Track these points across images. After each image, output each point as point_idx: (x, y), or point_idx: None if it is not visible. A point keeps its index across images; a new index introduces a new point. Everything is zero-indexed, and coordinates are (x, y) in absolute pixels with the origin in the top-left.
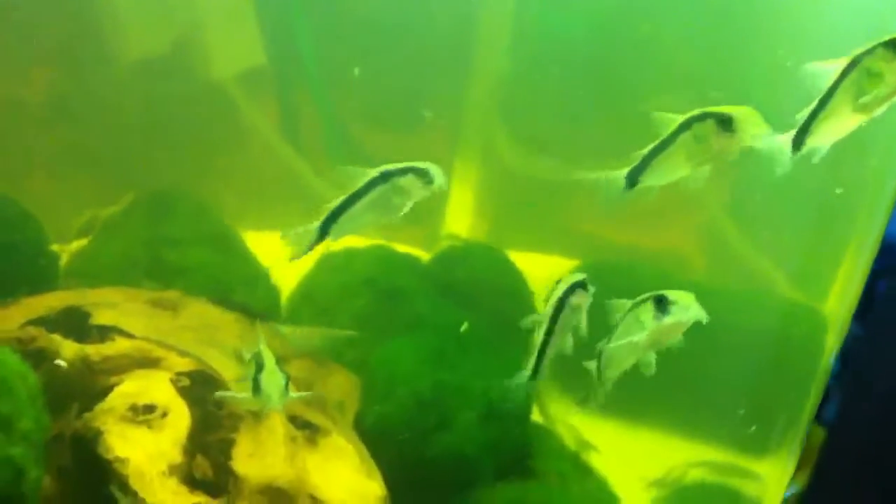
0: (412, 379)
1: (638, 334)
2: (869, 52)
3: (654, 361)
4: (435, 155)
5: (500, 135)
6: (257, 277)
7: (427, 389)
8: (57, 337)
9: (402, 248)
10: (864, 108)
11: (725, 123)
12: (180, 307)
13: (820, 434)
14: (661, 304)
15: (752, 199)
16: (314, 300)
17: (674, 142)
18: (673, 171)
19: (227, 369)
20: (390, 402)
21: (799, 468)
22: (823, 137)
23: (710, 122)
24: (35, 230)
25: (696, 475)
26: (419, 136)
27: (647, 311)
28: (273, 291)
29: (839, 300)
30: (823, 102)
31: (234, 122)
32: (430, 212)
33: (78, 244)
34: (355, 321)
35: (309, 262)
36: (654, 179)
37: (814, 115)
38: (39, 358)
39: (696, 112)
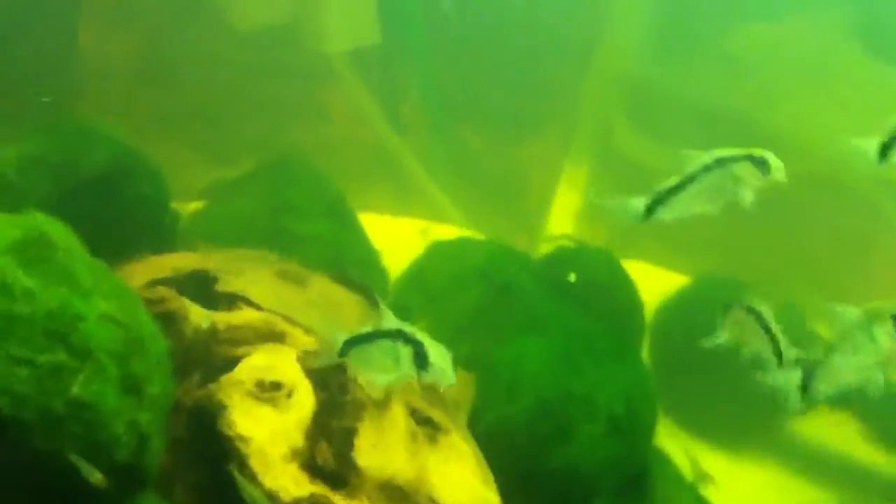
0: (538, 382)
1: (871, 351)
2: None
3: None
4: (546, 155)
5: (621, 138)
6: (370, 257)
7: (553, 396)
8: (186, 300)
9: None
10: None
11: (762, 165)
12: (306, 281)
13: None
14: None
15: None
16: (425, 287)
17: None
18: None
19: None
20: (513, 404)
21: None
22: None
23: (747, 163)
24: (161, 186)
25: None
26: (531, 136)
27: (885, 328)
28: (383, 273)
29: None
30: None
31: (344, 98)
32: (533, 211)
33: (196, 205)
34: (467, 313)
35: (419, 248)
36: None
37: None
38: (168, 320)
39: (726, 152)
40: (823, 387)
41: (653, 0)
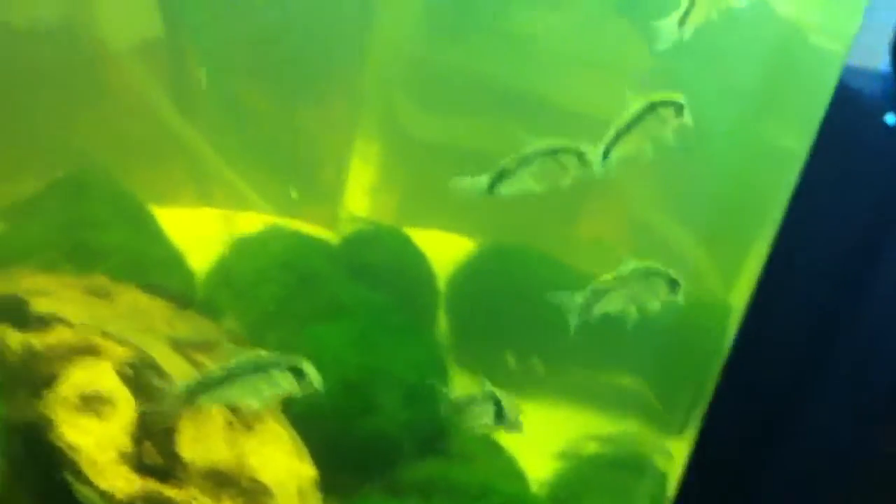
0: (339, 365)
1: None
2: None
3: None
4: (335, 130)
5: (403, 108)
6: (173, 260)
7: (353, 374)
8: (1, 325)
9: (304, 226)
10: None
11: (679, 109)
12: (114, 294)
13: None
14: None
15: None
16: (231, 285)
17: (641, 122)
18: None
19: (162, 357)
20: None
21: None
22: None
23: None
24: None
25: (595, 448)
26: (319, 110)
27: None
28: (189, 275)
29: (740, 292)
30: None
31: (130, 95)
32: (330, 190)
33: None
34: (272, 305)
35: (223, 245)
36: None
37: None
38: None
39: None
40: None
41: None
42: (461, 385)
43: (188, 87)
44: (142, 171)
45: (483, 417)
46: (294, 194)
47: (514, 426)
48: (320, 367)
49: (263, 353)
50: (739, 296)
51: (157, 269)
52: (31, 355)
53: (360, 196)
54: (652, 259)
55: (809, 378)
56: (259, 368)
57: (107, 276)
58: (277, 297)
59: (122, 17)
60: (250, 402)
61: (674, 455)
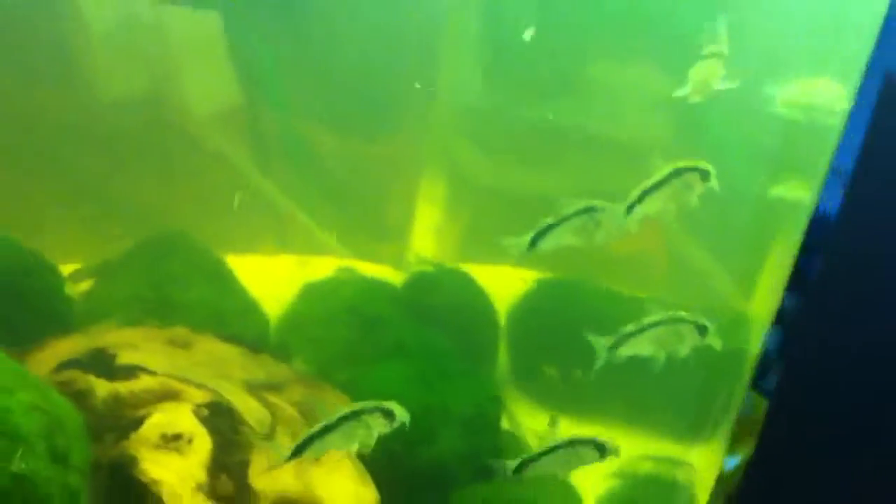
0: (400, 402)
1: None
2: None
3: None
4: (402, 174)
5: (467, 153)
6: (249, 308)
7: (415, 410)
8: (91, 377)
9: (372, 267)
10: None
11: (705, 175)
12: (192, 344)
13: (763, 404)
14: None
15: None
16: (301, 329)
17: (666, 185)
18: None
19: (236, 398)
20: None
21: (744, 438)
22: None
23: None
24: (55, 278)
25: (645, 466)
26: (386, 154)
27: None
28: (264, 321)
29: (761, 302)
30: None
31: (214, 157)
32: (398, 230)
33: (86, 285)
34: (340, 347)
35: (293, 291)
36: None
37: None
38: (78, 397)
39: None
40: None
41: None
42: (522, 413)
43: (264, 142)
44: (222, 226)
45: (587, 458)
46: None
47: (615, 452)
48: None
49: (359, 403)
50: (760, 309)
51: (233, 319)
52: (116, 402)
53: (427, 236)
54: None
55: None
56: (354, 416)
57: (187, 328)
58: (345, 340)
59: (202, 86)
60: (350, 447)
61: (699, 468)
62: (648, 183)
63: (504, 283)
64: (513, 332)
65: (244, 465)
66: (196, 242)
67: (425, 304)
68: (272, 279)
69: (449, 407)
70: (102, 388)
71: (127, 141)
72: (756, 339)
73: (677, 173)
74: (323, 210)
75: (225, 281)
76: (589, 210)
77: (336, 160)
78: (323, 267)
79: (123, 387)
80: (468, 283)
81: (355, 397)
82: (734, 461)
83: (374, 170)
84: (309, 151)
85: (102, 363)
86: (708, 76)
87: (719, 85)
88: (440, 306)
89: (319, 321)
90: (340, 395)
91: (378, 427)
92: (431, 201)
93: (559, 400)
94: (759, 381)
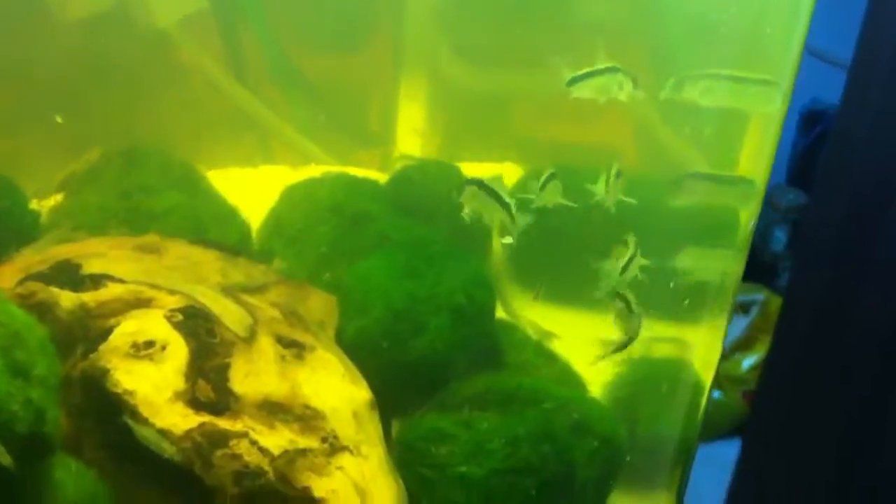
0: (385, 293)
1: None
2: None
3: None
4: (380, 74)
5: (444, 49)
6: (227, 215)
7: (400, 301)
8: (55, 289)
9: (358, 171)
10: None
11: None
12: (163, 250)
13: (777, 302)
14: None
15: None
16: (282, 231)
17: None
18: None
19: (212, 301)
20: (367, 316)
21: (760, 336)
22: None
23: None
24: (17, 195)
25: (645, 349)
26: (362, 56)
27: None
28: (244, 227)
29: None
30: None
31: (183, 67)
32: (381, 133)
33: (54, 200)
34: (323, 247)
35: (274, 195)
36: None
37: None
38: (42, 310)
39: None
40: None
41: None
42: (518, 301)
43: (238, 51)
44: (198, 140)
45: None
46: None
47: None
48: (368, 299)
49: None
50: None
51: (210, 227)
52: (83, 313)
53: (411, 138)
54: None
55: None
56: None
57: (161, 235)
58: (327, 238)
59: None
60: None
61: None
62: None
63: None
64: None
65: (224, 370)
66: (169, 154)
67: (411, 197)
68: (254, 189)
69: (438, 295)
70: (67, 299)
71: (95, 57)
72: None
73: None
74: (305, 121)
75: (201, 189)
76: (614, 70)
77: (315, 71)
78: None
79: (90, 297)
80: (455, 174)
81: (340, 295)
82: (751, 360)
83: (354, 78)
84: (286, 62)
85: (67, 274)
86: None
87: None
88: (427, 199)
89: (300, 222)
90: (325, 294)
91: None
92: (413, 102)
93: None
94: (772, 279)
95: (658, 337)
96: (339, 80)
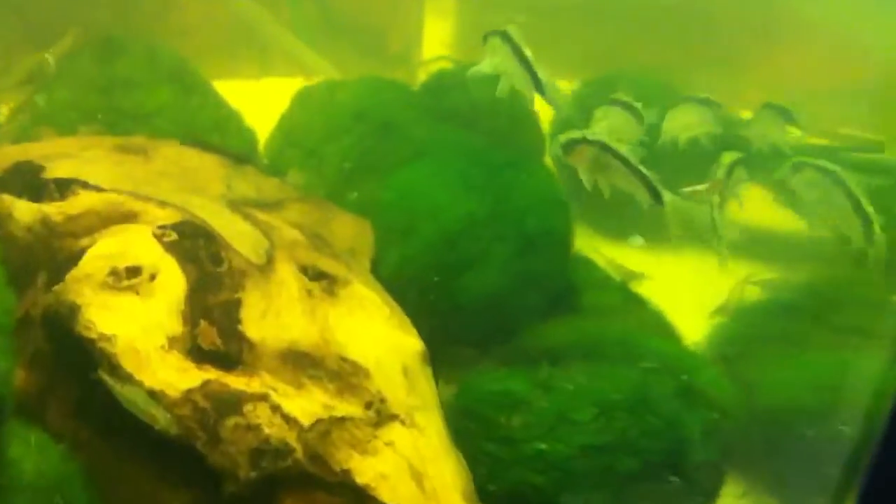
0: (434, 211)
1: None
2: None
3: None
4: None
5: None
6: (228, 119)
7: (454, 222)
8: (7, 197)
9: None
10: None
11: None
12: (150, 150)
13: None
14: None
15: None
16: (298, 141)
17: None
18: None
19: (215, 217)
20: (413, 240)
21: None
22: None
23: None
24: None
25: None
26: None
27: None
28: (248, 134)
29: None
30: None
31: None
32: (406, 44)
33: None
34: (348, 160)
35: (284, 100)
36: None
37: None
38: None
39: None
40: None
41: None
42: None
43: None
44: (204, 49)
45: None
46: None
47: None
48: (413, 219)
49: None
50: None
51: (208, 132)
52: (46, 229)
53: (439, 49)
54: None
55: None
56: None
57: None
58: (351, 149)
59: None
60: None
61: None
62: None
63: None
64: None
65: (233, 307)
66: (156, 45)
67: (450, 104)
68: (260, 102)
69: (503, 216)
70: (25, 210)
71: None
72: None
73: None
74: (322, 40)
75: (195, 88)
76: None
77: None
78: None
79: (55, 208)
80: (495, 80)
81: (375, 214)
82: None
83: None
84: None
85: (24, 178)
86: None
87: None
88: (468, 105)
89: (319, 130)
90: (354, 216)
91: None
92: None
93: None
94: None
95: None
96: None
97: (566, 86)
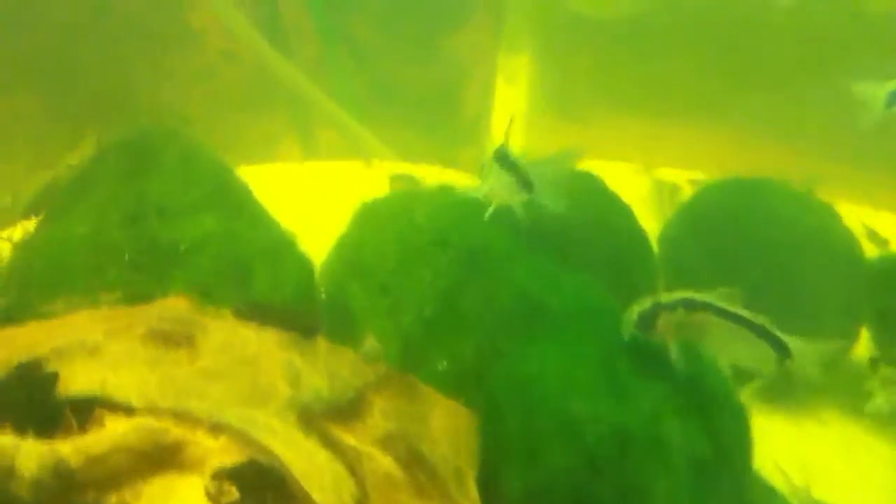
0: (572, 421)
1: None
2: None
3: None
4: (475, 51)
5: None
6: (281, 247)
7: (602, 441)
8: (10, 440)
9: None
10: None
11: None
12: (198, 336)
13: None
14: None
15: None
16: (362, 272)
17: None
18: None
19: (287, 448)
20: (544, 463)
21: None
22: None
23: None
24: None
25: None
26: (461, 34)
27: None
28: (305, 264)
29: None
30: None
31: (216, 28)
32: (475, 116)
33: (30, 225)
34: (431, 305)
35: (342, 214)
36: None
37: None
38: None
39: None
40: None
41: None
42: None
43: (285, 22)
44: (235, 122)
45: None
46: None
47: None
48: (541, 433)
49: None
50: None
51: (257, 267)
52: (62, 482)
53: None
54: None
55: None
56: None
57: (183, 296)
58: (438, 291)
59: None
60: None
61: None
62: None
63: (632, 185)
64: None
65: None
66: (188, 143)
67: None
68: (308, 197)
69: (664, 438)
70: (32, 457)
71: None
72: None
73: None
74: (374, 111)
75: (243, 209)
76: None
77: (381, 51)
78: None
79: (72, 447)
80: (596, 184)
81: (484, 412)
82: None
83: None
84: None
85: (28, 393)
86: None
87: None
88: (564, 220)
89: (388, 259)
90: (452, 405)
91: None
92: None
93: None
94: None
95: None
96: (421, 63)
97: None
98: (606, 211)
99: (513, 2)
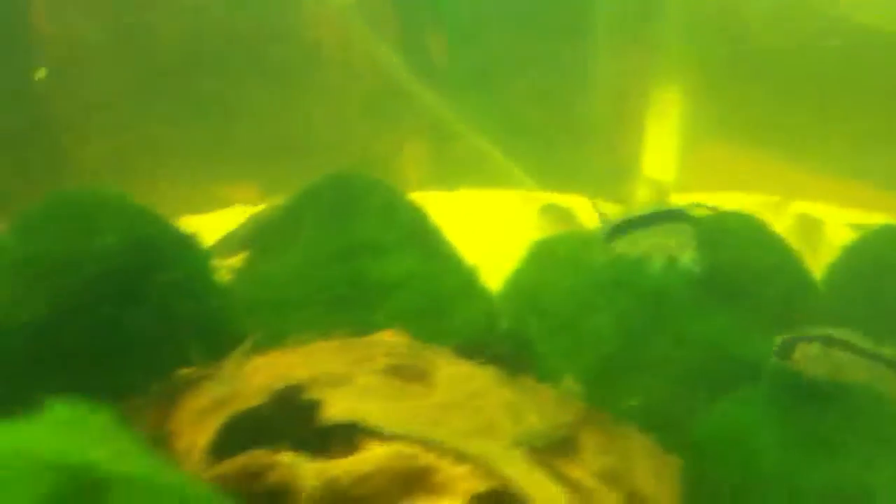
0: (786, 481)
1: None
2: None
3: None
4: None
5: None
6: (468, 285)
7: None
8: (290, 457)
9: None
10: None
11: None
12: (431, 373)
13: None
14: None
15: None
16: (543, 308)
17: None
18: None
19: (525, 478)
20: None
21: None
22: None
23: None
24: (200, 259)
25: None
26: (612, 65)
27: None
28: (487, 298)
29: None
30: None
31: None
32: (626, 153)
33: (235, 260)
34: (611, 348)
35: (496, 244)
36: None
37: None
38: (273, 499)
39: None
40: None
41: None
42: None
43: (425, 55)
44: (383, 151)
45: None
46: None
47: None
48: (751, 481)
49: None
50: None
51: (452, 305)
52: (333, 499)
53: (665, 163)
54: None
55: None
56: None
57: (403, 331)
58: (619, 334)
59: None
60: None
61: None
62: None
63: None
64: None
65: None
66: (383, 185)
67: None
68: (463, 219)
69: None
70: (311, 476)
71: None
72: None
73: None
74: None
75: (437, 250)
76: None
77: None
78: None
79: (340, 468)
80: (759, 229)
81: (688, 459)
82: None
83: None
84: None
85: (294, 417)
86: None
87: None
88: (735, 265)
89: (568, 297)
90: (654, 449)
91: None
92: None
93: None
94: None
95: None
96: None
97: None
98: (770, 255)
99: (668, 35)
